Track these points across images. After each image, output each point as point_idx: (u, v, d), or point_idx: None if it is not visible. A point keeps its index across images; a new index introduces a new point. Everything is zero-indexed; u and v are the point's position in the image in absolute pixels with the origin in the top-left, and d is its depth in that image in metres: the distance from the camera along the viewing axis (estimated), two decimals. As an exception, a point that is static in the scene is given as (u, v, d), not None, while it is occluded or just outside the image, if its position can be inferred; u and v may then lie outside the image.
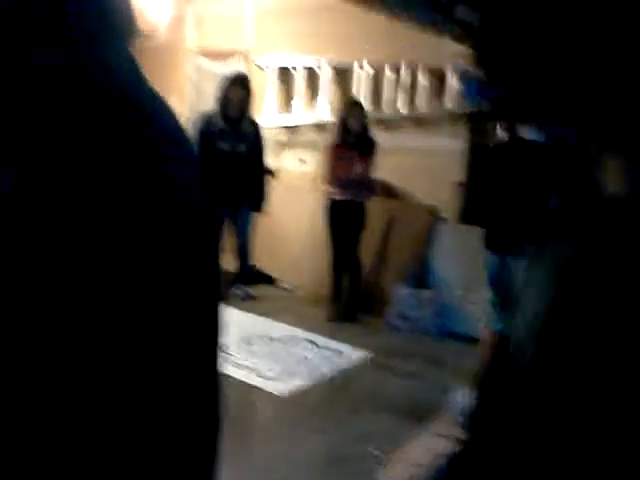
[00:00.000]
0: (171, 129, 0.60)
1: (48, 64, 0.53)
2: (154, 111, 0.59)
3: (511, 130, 3.31)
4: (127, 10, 0.62)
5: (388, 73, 5.08)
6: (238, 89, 4.50)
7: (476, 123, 4.65)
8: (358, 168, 4.39)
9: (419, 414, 3.17)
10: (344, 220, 4.43)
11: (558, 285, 0.90)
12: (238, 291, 4.80)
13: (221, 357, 0.65)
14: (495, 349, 2.86)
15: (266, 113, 5.52)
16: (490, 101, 4.48)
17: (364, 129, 4.44)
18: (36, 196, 0.49)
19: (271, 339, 4.17)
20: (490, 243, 3.26)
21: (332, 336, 4.24)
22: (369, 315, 4.63)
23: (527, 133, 3.12)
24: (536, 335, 0.86)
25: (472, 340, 3.82)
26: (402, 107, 5.09)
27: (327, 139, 4.72)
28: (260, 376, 3.58)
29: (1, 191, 0.48)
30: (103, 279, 0.50)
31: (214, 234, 0.64)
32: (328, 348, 4.06)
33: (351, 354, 3.98)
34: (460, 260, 4.40)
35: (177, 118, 0.60)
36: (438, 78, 4.90)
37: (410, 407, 3.28)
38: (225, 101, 4.51)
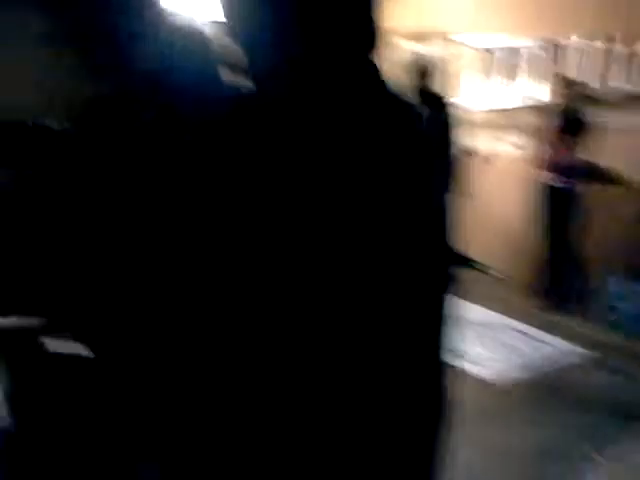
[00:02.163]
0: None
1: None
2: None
3: None
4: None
5: (600, 46, 4.67)
6: (421, 71, 4.51)
7: None
8: (574, 153, 4.21)
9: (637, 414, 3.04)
10: (560, 208, 4.28)
11: None
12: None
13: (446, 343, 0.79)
14: None
15: (467, 95, 5.45)
16: None
17: (579, 110, 4.22)
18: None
19: (480, 325, 4.22)
20: None
21: (542, 327, 4.16)
22: (582, 307, 4.43)
23: None
24: None
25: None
26: (619, 83, 4.67)
27: (537, 122, 4.55)
28: (469, 361, 3.67)
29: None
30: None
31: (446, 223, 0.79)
32: (538, 339, 4.00)
33: (562, 347, 3.89)
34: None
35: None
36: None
37: (628, 406, 3.15)
38: (417, 84, 4.55)
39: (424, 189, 0.75)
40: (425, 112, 4.51)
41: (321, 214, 0.68)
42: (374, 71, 0.78)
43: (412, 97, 4.43)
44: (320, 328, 0.69)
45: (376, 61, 0.80)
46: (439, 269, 0.79)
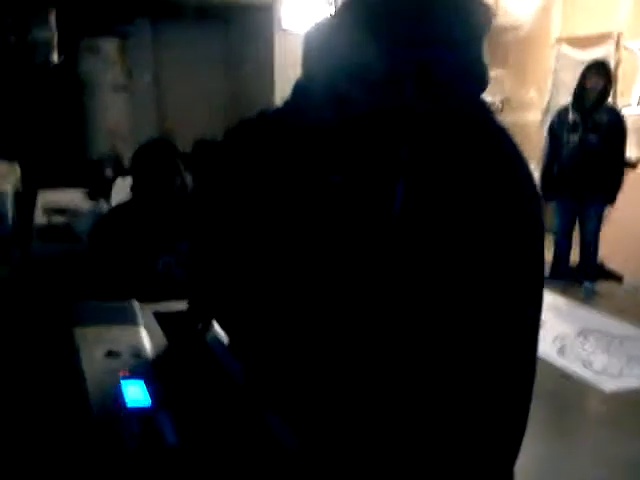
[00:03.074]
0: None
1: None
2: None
3: None
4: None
5: None
6: (595, 77, 4.33)
7: None
8: None
9: None
10: None
11: None
12: (583, 286, 4.66)
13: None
14: None
15: (634, 99, 5.13)
16: None
17: None
18: None
19: (610, 336, 3.95)
20: None
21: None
22: None
23: None
24: None
25: None
26: None
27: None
28: (591, 371, 3.46)
29: None
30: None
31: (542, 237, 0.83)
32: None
33: None
34: None
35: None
36: None
37: None
38: (580, 91, 4.39)
39: (524, 244, 0.77)
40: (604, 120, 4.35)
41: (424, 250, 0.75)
42: (485, 114, 0.82)
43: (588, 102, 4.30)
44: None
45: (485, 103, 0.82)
46: (531, 283, 0.81)
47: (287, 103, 1.20)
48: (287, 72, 4.49)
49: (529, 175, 0.80)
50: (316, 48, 1.14)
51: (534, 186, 0.81)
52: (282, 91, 4.84)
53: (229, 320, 1.25)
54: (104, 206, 4.21)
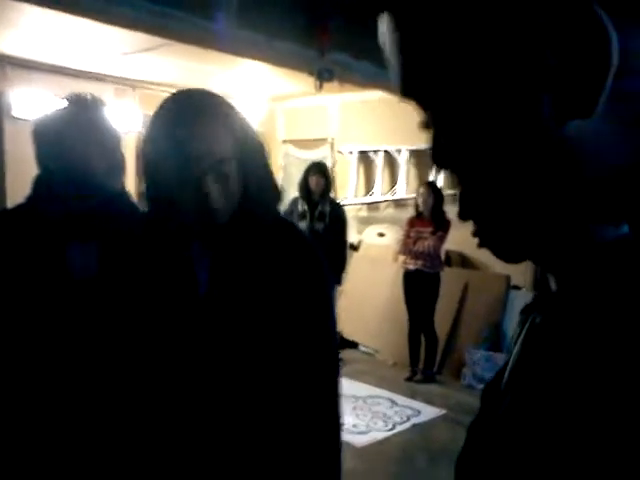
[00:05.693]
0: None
1: None
2: None
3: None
4: None
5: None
6: (317, 176, 5.07)
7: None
8: (430, 241, 4.81)
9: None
10: (419, 288, 4.83)
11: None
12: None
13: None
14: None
15: (349, 192, 6.12)
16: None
17: (438, 206, 4.88)
18: None
19: (355, 398, 4.55)
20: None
21: (411, 395, 4.57)
22: (447, 376, 4.93)
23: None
24: None
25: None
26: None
27: (404, 215, 5.21)
28: (343, 431, 3.95)
29: None
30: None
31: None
32: (407, 406, 4.39)
33: (428, 411, 4.29)
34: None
35: None
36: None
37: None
38: (306, 186, 5.09)
39: (318, 296, 1.10)
40: (327, 210, 5.03)
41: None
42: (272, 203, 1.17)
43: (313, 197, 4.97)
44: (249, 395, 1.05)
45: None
46: (332, 352, 1.15)
47: (30, 197, 1.39)
48: (17, 156, 4.46)
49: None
50: (52, 143, 1.35)
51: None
52: (14, 177, 4.74)
53: None
54: None
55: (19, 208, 1.41)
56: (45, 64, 4.98)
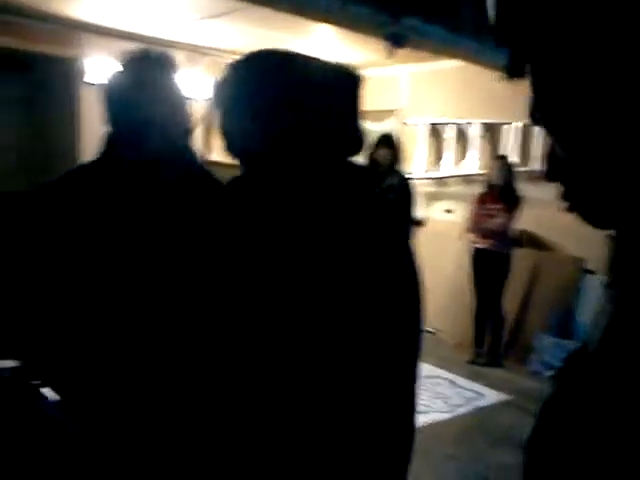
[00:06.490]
0: None
1: None
2: None
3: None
4: None
5: (535, 129, 5.28)
6: (384, 148, 4.95)
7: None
8: (500, 219, 4.62)
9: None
10: (487, 268, 4.66)
11: None
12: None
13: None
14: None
15: (417, 166, 5.94)
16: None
17: (509, 182, 4.67)
18: None
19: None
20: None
21: (473, 378, 4.44)
22: (512, 361, 4.76)
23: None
24: None
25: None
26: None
27: (474, 191, 5.01)
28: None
29: None
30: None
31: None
32: (468, 389, 4.27)
33: (492, 395, 4.16)
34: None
35: None
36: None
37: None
38: (372, 158, 4.98)
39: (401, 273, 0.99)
40: (395, 183, 4.92)
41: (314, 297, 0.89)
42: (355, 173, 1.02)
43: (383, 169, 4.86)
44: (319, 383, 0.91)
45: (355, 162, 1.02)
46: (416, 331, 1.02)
47: (102, 153, 1.40)
48: (92, 121, 4.54)
49: None
50: (115, 102, 1.35)
51: None
52: (89, 141, 4.85)
53: (62, 379, 1.30)
54: None
55: (93, 162, 1.44)
56: (118, 31, 5.03)
